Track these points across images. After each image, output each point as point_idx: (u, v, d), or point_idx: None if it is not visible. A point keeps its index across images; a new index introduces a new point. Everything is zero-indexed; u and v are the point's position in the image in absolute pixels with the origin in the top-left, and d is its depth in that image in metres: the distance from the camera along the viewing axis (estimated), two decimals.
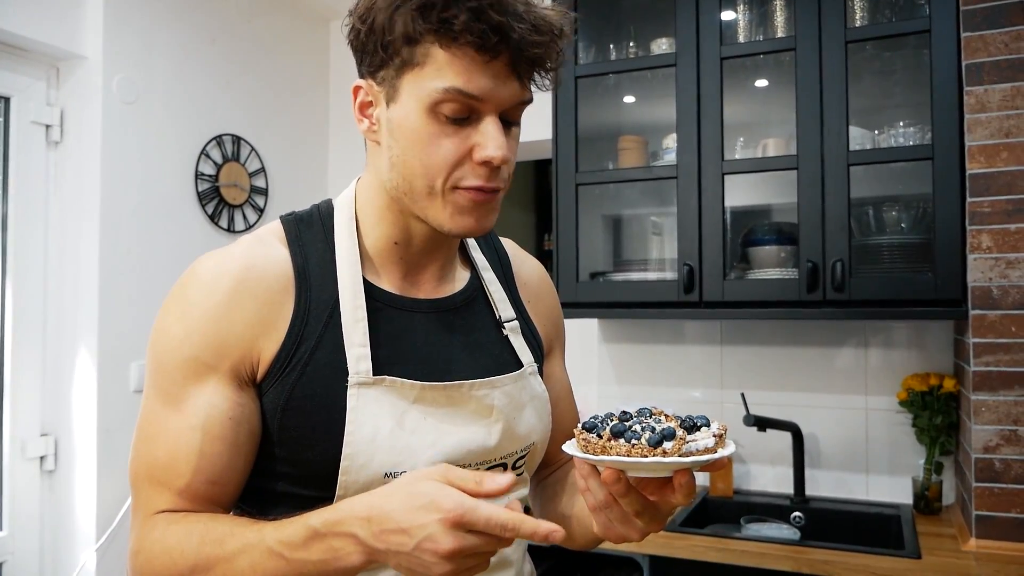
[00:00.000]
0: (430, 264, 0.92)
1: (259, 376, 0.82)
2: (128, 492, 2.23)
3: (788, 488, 2.24)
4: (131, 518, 0.83)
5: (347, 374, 0.82)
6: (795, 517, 2.10)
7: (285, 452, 0.82)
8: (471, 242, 1.00)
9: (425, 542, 0.64)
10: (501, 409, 0.89)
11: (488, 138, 0.78)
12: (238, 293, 0.81)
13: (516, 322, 0.97)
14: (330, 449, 0.80)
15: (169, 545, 0.76)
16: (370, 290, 0.86)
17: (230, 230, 2.54)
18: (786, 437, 2.21)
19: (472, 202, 0.81)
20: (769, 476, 2.31)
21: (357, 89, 0.84)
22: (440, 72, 0.76)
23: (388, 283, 0.89)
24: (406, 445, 0.82)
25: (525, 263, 1.06)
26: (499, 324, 0.95)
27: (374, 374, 0.82)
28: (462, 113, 0.78)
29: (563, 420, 1.03)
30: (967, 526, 1.82)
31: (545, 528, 0.66)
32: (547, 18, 0.79)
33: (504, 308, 0.97)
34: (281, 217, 0.91)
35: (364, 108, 0.84)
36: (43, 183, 2.15)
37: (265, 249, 0.85)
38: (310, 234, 0.88)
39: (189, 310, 0.81)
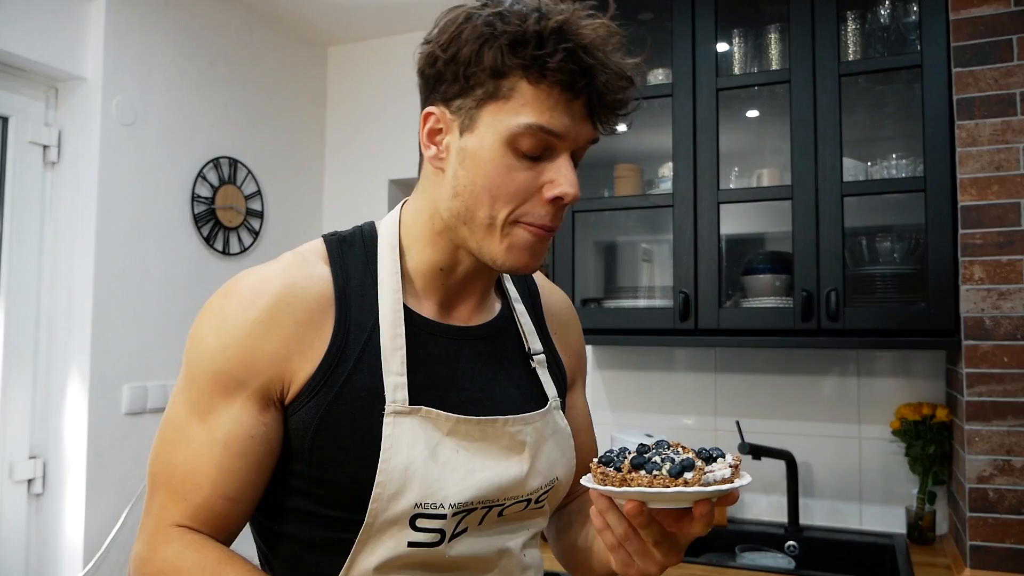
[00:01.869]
0: (470, 294, 0.92)
1: (289, 396, 0.81)
2: (117, 517, 2.20)
3: (782, 517, 2.23)
4: (143, 517, 0.83)
5: (384, 401, 0.81)
6: (789, 546, 2.10)
7: (312, 470, 0.81)
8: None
9: None
10: (531, 445, 0.89)
11: (563, 175, 0.80)
12: (276, 311, 0.80)
13: (544, 355, 0.97)
14: (361, 473, 0.80)
15: (179, 568, 0.76)
16: (409, 315, 0.86)
17: (226, 252, 2.54)
18: (780, 465, 2.21)
19: (532, 239, 0.81)
20: (763, 505, 2.31)
21: (428, 115, 0.84)
22: (525, 107, 0.78)
23: (426, 309, 0.89)
24: (438, 477, 0.82)
25: (553, 294, 1.06)
26: (528, 356, 0.96)
27: (410, 403, 0.82)
28: (539, 150, 0.79)
29: (583, 451, 1.03)
30: (962, 556, 1.82)
31: None
32: (624, 66, 0.81)
33: (533, 340, 0.97)
34: (324, 236, 0.90)
35: (433, 135, 0.84)
36: (39, 203, 2.15)
37: (307, 268, 0.84)
38: (352, 255, 0.88)
39: (225, 324, 0.81)
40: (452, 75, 0.80)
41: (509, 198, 0.80)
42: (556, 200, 0.80)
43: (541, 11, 0.77)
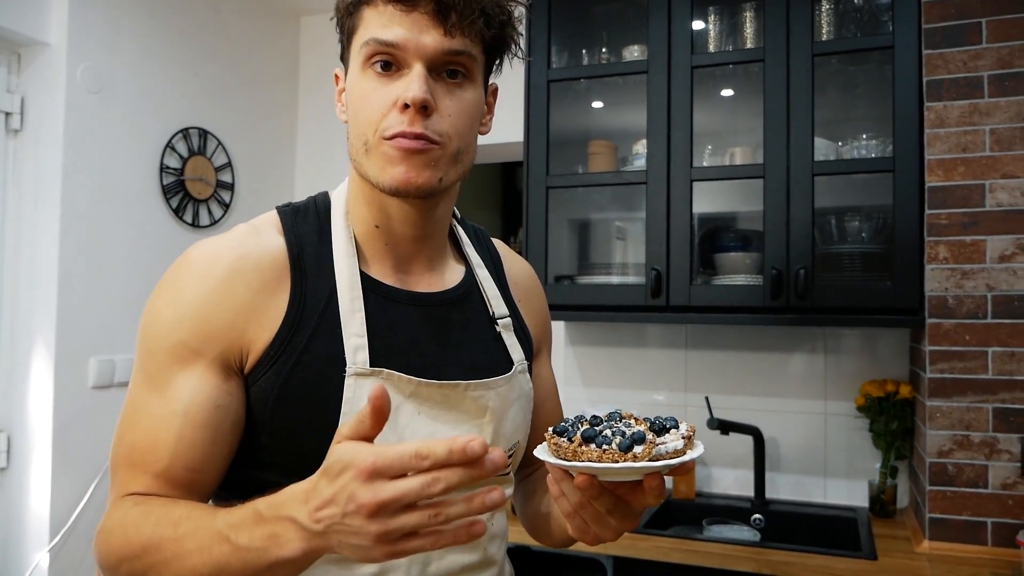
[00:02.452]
0: (418, 254, 0.92)
1: (248, 365, 0.81)
2: (83, 492, 2.18)
3: (749, 491, 2.28)
4: (107, 500, 0.83)
5: (344, 364, 0.81)
6: (755, 519, 2.14)
7: (275, 441, 0.81)
8: (465, 239, 1.01)
9: (348, 505, 0.59)
10: (494, 410, 0.90)
11: (407, 83, 0.81)
12: (230, 280, 0.80)
13: (509, 319, 0.98)
14: (323, 439, 0.78)
15: (127, 524, 0.75)
16: (367, 281, 0.87)
17: (195, 225, 2.50)
18: (747, 441, 2.25)
19: (398, 151, 0.81)
20: (730, 479, 2.35)
21: (335, 79, 0.91)
22: (366, 29, 0.82)
23: (380, 274, 0.89)
24: (398, 440, 0.82)
25: (516, 263, 1.07)
26: (493, 320, 0.96)
27: (371, 365, 0.82)
28: (386, 61, 0.82)
29: (549, 420, 1.04)
30: (921, 528, 1.87)
31: (462, 440, 0.58)
32: None
33: (498, 304, 0.97)
34: (277, 207, 0.90)
35: (339, 94, 0.90)
36: (1, 173, 2.09)
37: (260, 238, 0.85)
38: (306, 224, 0.88)
39: (180, 295, 0.81)
40: (339, 34, 0.88)
41: (370, 118, 0.82)
42: (405, 108, 0.80)
43: None
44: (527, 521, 1.07)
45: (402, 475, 0.59)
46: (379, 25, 0.81)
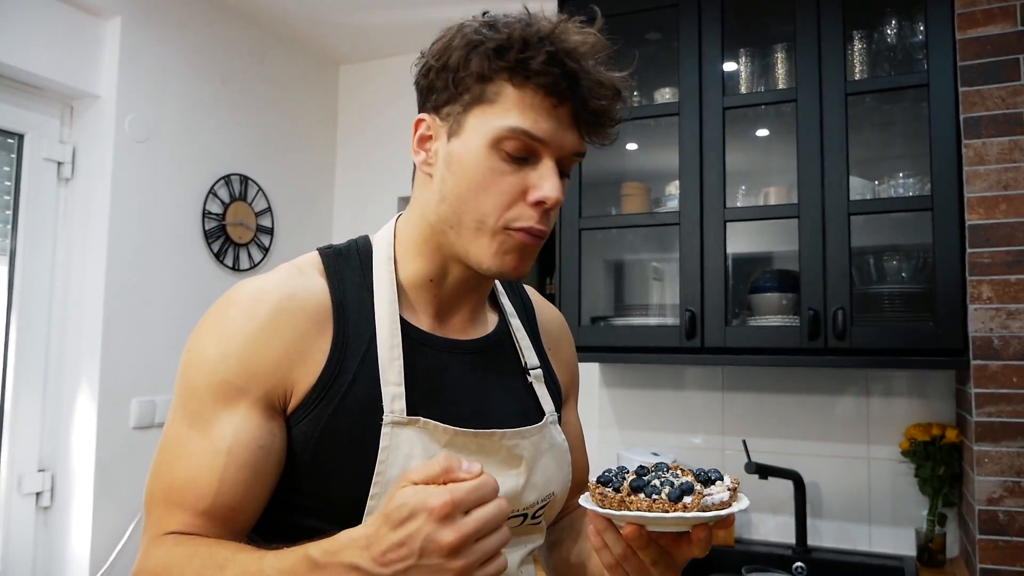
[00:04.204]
0: (462, 306, 0.92)
1: (291, 406, 0.81)
2: (123, 531, 2.21)
3: (790, 537, 2.21)
4: (140, 538, 0.82)
5: (382, 411, 0.81)
6: (797, 567, 2.07)
7: (312, 485, 0.81)
8: (499, 287, 1.01)
9: (427, 546, 0.62)
10: (527, 460, 0.89)
11: (545, 179, 0.81)
12: (277, 320, 0.80)
13: (540, 370, 0.98)
14: (359, 485, 0.80)
15: (170, 564, 0.75)
16: (405, 327, 0.87)
17: (235, 268, 2.56)
18: (788, 485, 2.19)
19: (520, 244, 0.82)
20: (770, 525, 2.29)
21: (419, 122, 0.87)
22: (509, 111, 0.80)
23: (420, 321, 0.89)
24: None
25: (546, 311, 1.07)
26: (525, 370, 0.96)
27: (408, 414, 0.82)
28: (523, 152, 0.81)
29: (575, 467, 1.03)
30: None
31: (477, 466, 0.67)
32: (611, 78, 0.83)
33: (530, 355, 0.97)
34: (319, 249, 0.91)
35: (423, 141, 0.87)
36: (52, 219, 2.18)
37: (304, 279, 0.85)
38: (348, 268, 0.88)
39: (225, 333, 0.80)
40: (442, 83, 0.83)
41: (494, 201, 0.81)
42: (539, 204, 0.81)
43: (529, 21, 0.80)
44: (552, 570, 1.06)
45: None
46: (526, 113, 0.79)
